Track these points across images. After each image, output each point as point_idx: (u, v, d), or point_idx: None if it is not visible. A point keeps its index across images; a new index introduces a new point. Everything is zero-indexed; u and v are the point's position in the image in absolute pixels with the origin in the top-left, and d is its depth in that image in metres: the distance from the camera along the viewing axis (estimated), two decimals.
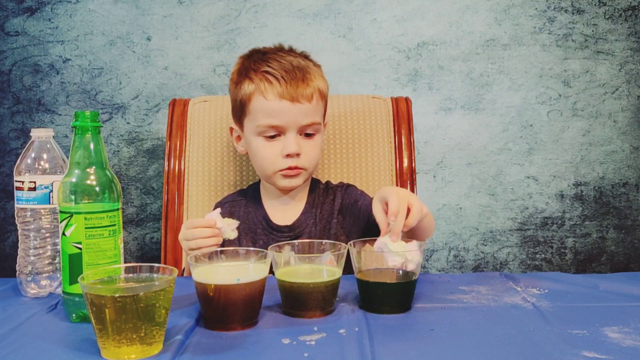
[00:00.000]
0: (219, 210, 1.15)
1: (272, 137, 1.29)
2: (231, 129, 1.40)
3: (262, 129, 1.28)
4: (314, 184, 1.41)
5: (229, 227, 1.12)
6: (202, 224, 1.12)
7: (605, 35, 2.04)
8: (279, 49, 1.35)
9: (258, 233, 1.35)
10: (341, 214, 1.36)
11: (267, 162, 1.30)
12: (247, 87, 1.29)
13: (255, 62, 1.31)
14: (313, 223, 1.35)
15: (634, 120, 2.07)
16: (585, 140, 2.08)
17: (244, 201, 1.40)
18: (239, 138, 1.38)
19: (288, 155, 1.28)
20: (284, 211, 1.36)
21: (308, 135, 1.31)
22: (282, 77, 1.26)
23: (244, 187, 1.49)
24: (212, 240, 1.11)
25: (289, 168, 1.29)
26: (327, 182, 1.44)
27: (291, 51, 1.35)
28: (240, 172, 1.55)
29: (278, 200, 1.37)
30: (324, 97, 1.33)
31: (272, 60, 1.29)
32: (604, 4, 2.04)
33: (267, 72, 1.27)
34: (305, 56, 1.35)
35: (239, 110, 1.33)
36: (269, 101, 1.26)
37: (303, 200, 1.38)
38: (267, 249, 0.99)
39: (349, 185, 1.41)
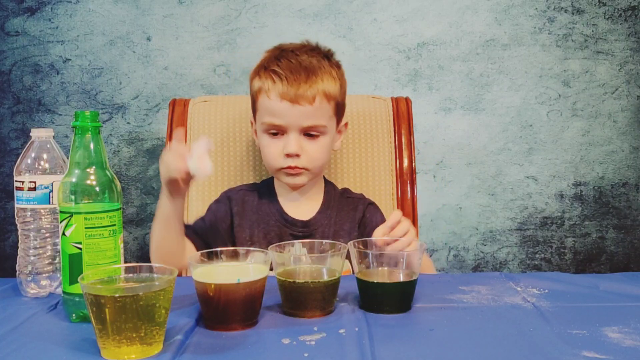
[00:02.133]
0: (207, 140, 1.09)
1: (275, 134, 1.30)
2: (251, 122, 1.41)
3: (265, 127, 1.30)
4: (328, 186, 1.42)
5: (201, 149, 1.06)
6: (175, 146, 1.11)
7: (605, 36, 2.04)
8: (301, 47, 1.34)
9: (271, 224, 1.35)
10: (360, 228, 1.37)
11: (270, 158, 1.32)
12: (256, 84, 1.32)
13: (269, 59, 1.32)
14: (327, 224, 1.36)
15: (634, 120, 2.07)
16: (585, 140, 2.08)
17: (257, 193, 1.40)
18: (256, 131, 1.39)
19: (288, 155, 1.28)
20: (298, 207, 1.37)
21: (311, 136, 1.30)
22: (286, 78, 1.26)
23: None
24: (177, 163, 1.08)
25: (289, 167, 1.29)
26: (346, 189, 1.45)
27: (313, 49, 1.34)
28: (240, 172, 1.55)
29: (292, 195, 1.38)
30: (332, 98, 1.30)
31: (284, 59, 1.29)
32: (603, 4, 2.04)
33: (273, 71, 1.28)
34: (325, 55, 1.34)
35: (252, 106, 1.36)
36: (271, 100, 1.28)
37: (318, 200, 1.39)
38: (280, 242, 1.02)
39: (371, 202, 1.42)
